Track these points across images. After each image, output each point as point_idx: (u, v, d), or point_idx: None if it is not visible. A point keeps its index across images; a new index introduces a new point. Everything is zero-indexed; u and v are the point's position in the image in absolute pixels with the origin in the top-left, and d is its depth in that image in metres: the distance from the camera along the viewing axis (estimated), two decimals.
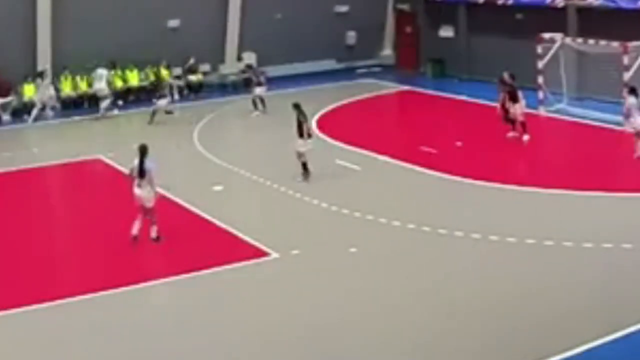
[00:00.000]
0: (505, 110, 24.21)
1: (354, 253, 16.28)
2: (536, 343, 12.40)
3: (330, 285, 14.95)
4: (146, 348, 12.97)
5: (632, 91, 22.11)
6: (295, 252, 16.42)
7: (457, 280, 14.87)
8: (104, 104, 29.85)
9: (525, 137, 23.76)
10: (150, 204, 16.93)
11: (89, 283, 15.41)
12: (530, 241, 16.24)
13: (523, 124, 23.85)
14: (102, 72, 30.37)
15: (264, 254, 16.42)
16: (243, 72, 32.32)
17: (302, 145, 20.90)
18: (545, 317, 13.18)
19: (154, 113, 28.46)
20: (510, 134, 24.08)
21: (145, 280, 15.41)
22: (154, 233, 17.13)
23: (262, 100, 29.26)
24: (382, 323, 13.37)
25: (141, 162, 16.87)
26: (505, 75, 24.38)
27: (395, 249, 16.53)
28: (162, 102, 28.74)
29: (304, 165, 20.95)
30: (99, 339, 13.29)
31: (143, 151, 16.93)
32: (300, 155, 20.97)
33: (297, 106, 21.19)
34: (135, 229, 17.01)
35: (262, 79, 29.78)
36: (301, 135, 20.87)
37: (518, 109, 23.81)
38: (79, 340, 13.31)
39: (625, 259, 15.33)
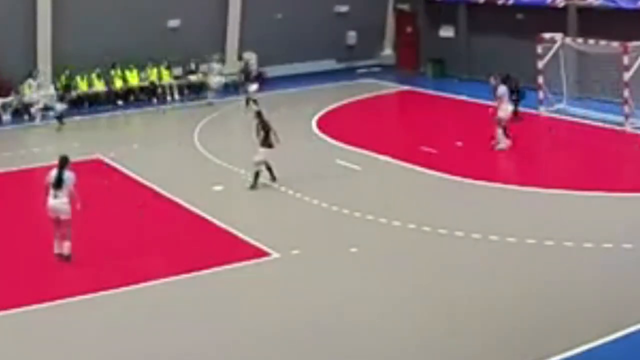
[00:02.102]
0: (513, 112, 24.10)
1: (355, 253, 16.27)
2: (536, 343, 12.39)
3: (330, 286, 14.94)
4: (146, 348, 12.96)
5: (504, 80, 22.18)
6: (295, 252, 16.41)
7: (457, 280, 14.86)
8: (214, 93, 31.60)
9: (493, 143, 23.03)
10: (65, 216, 16.37)
11: (89, 283, 15.41)
12: (530, 241, 16.23)
13: (504, 128, 23.19)
14: (216, 65, 32.22)
15: (264, 254, 16.41)
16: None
17: (262, 153, 20.44)
18: (545, 317, 13.17)
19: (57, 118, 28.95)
20: (508, 137, 23.95)
21: (145, 280, 15.39)
22: (66, 250, 16.33)
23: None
24: (382, 323, 13.35)
25: (60, 173, 16.42)
26: (491, 78, 24.16)
27: (395, 249, 16.52)
28: (59, 106, 29.15)
29: (256, 175, 20.46)
30: (99, 338, 13.29)
31: (63, 163, 16.51)
32: (257, 163, 20.45)
33: (259, 114, 20.90)
34: (57, 248, 16.48)
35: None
36: (264, 143, 20.38)
37: (501, 112, 23.30)
38: (79, 340, 13.30)
39: (625, 259, 15.33)
